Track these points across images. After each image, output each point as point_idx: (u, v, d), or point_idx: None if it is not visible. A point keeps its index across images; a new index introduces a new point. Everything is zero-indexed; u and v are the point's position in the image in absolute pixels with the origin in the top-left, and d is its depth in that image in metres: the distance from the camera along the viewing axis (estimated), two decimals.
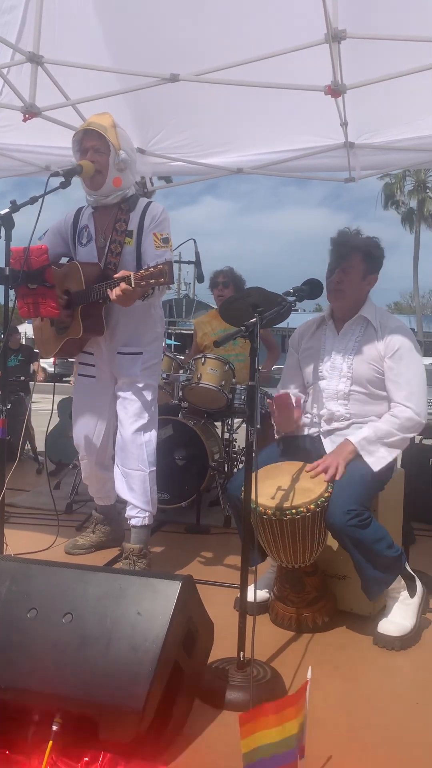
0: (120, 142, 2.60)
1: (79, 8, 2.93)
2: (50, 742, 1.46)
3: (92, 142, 2.59)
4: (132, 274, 2.37)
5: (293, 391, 2.47)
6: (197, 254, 4.04)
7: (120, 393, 2.75)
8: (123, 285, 2.38)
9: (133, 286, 2.35)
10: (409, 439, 2.32)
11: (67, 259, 2.86)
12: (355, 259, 2.35)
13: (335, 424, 2.38)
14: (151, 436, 2.73)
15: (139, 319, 2.72)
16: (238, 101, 3.42)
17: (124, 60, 3.07)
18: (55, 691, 1.51)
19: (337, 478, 2.18)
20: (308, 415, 2.49)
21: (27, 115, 2.90)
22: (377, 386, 2.33)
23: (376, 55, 2.72)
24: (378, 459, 2.23)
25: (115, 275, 2.46)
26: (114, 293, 2.41)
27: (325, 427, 2.41)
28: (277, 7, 2.61)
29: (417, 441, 3.83)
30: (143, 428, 2.70)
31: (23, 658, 1.56)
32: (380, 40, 2.55)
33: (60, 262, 2.86)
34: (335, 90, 2.52)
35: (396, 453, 2.29)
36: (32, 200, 2.39)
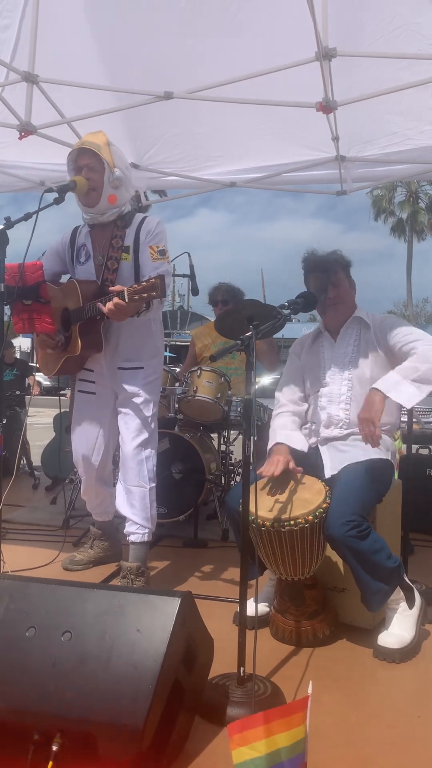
0: (114, 159, 2.62)
1: (73, 27, 2.96)
2: (50, 762, 1.44)
3: (86, 160, 2.62)
4: (125, 288, 2.38)
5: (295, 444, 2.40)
6: (191, 267, 4.06)
7: (121, 409, 2.75)
8: (116, 299, 2.39)
9: (126, 300, 2.36)
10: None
11: (68, 277, 2.88)
12: (340, 273, 2.47)
13: (334, 432, 2.39)
14: (151, 452, 2.72)
15: (139, 334, 2.73)
16: (231, 116, 3.45)
17: (118, 77, 3.10)
18: (54, 711, 1.49)
19: (377, 438, 2.14)
20: (308, 425, 2.50)
21: (23, 133, 2.92)
22: None
23: (366, 71, 2.77)
24: (410, 396, 2.15)
25: (110, 289, 2.47)
26: (107, 307, 2.42)
27: (323, 433, 2.42)
28: (268, 26, 2.66)
29: (414, 451, 3.84)
30: (143, 444, 2.70)
31: (22, 677, 1.54)
32: (370, 58, 2.59)
33: (60, 280, 2.87)
34: (326, 107, 2.56)
35: (428, 389, 2.18)
36: (26, 216, 2.40)
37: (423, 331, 2.35)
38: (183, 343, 20.31)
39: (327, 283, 2.43)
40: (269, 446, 2.41)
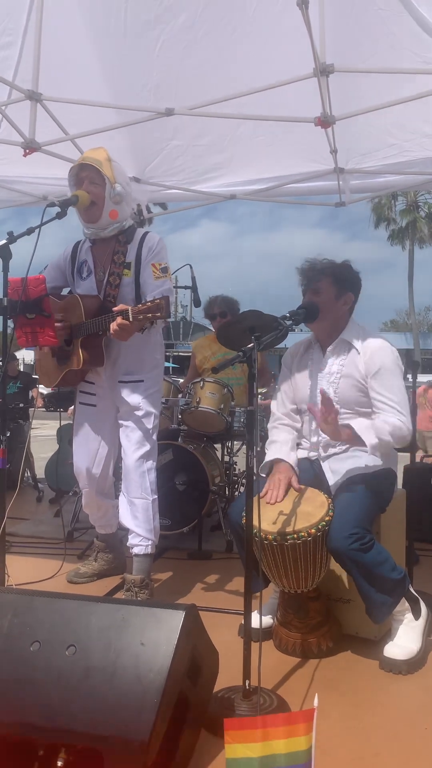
0: (115, 175, 2.66)
1: (74, 45, 3.01)
2: None
3: (87, 173, 2.65)
4: (130, 308, 2.40)
5: (291, 460, 2.39)
6: (193, 279, 4.08)
7: (122, 421, 2.76)
8: (120, 319, 2.41)
9: (130, 320, 2.38)
10: (390, 448, 2.27)
11: (68, 291, 2.90)
12: (324, 281, 2.38)
13: (332, 450, 2.39)
14: (152, 464, 2.74)
15: (139, 347, 2.75)
16: (231, 129, 3.50)
17: (120, 94, 3.14)
18: (59, 725, 1.49)
19: (328, 419, 2.13)
20: (306, 441, 2.49)
21: (27, 150, 2.95)
22: (365, 406, 2.34)
23: (362, 85, 2.81)
24: (372, 445, 2.18)
25: (114, 309, 2.48)
26: (111, 328, 2.44)
27: (322, 452, 2.42)
28: (267, 43, 2.70)
29: (418, 459, 3.84)
30: (145, 456, 2.71)
31: (27, 691, 1.54)
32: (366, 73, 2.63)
33: (61, 294, 2.90)
34: (325, 121, 2.59)
35: (376, 452, 2.22)
36: (29, 231, 2.43)
37: (403, 397, 2.28)
38: (185, 354, 20.35)
39: (307, 288, 2.41)
40: (268, 459, 2.40)
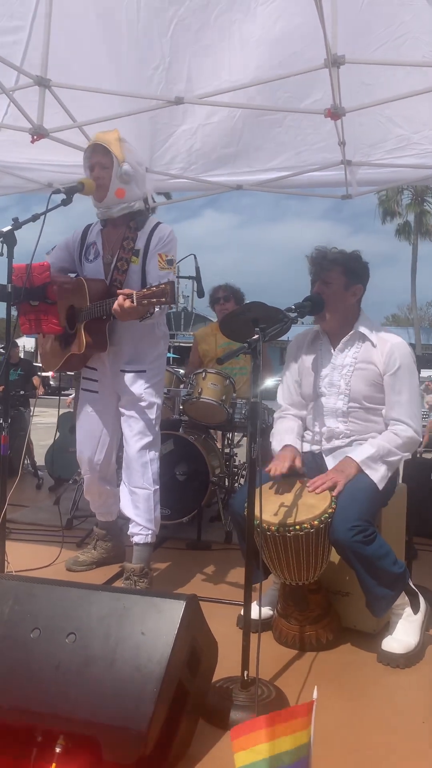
0: (125, 155, 2.64)
1: (85, 29, 2.97)
2: (53, 764, 1.45)
3: (98, 158, 2.64)
4: (135, 292, 2.39)
5: (297, 443, 2.40)
6: (197, 269, 4.07)
7: (124, 411, 2.76)
8: (122, 299, 2.39)
9: (134, 303, 2.37)
10: (400, 462, 2.32)
11: (74, 275, 2.88)
12: (335, 272, 2.34)
13: (336, 442, 2.38)
14: (155, 454, 2.73)
15: (142, 337, 2.73)
16: (239, 119, 3.47)
17: (130, 80, 3.11)
18: (58, 712, 1.50)
19: (334, 493, 2.17)
20: (309, 432, 2.49)
21: (35, 137, 2.92)
22: (374, 402, 2.32)
23: (371, 76, 2.77)
24: (381, 477, 2.23)
25: (119, 291, 2.47)
26: (116, 304, 2.42)
27: (326, 445, 2.41)
28: (278, 33, 2.66)
29: (417, 455, 3.83)
30: (148, 446, 2.71)
31: (26, 678, 1.55)
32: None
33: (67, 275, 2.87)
34: (335, 113, 2.56)
35: (393, 470, 2.29)
36: (34, 217, 2.41)
37: (418, 401, 2.28)
38: (186, 345, 20.32)
39: (316, 278, 2.37)
40: (277, 448, 2.40)
